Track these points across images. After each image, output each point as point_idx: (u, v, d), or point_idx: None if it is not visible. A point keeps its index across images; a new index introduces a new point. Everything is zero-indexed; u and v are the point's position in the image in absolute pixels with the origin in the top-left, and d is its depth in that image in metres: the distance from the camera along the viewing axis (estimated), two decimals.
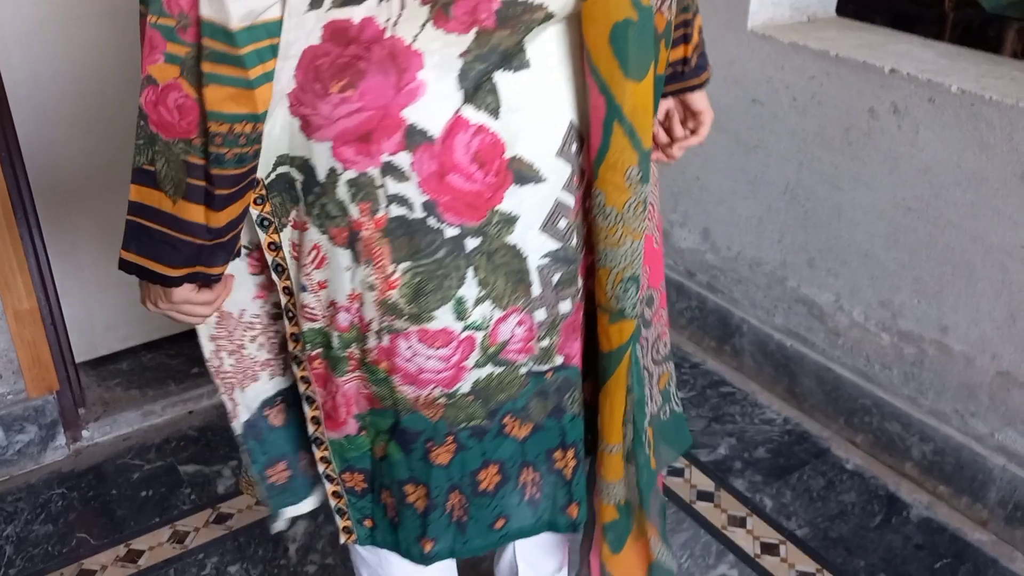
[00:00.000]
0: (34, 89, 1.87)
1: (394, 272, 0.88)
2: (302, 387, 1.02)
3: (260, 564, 1.67)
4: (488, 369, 0.96)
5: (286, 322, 0.98)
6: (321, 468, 1.05)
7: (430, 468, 1.01)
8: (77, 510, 1.80)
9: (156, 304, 0.93)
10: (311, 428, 1.04)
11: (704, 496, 1.83)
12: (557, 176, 0.91)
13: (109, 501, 1.83)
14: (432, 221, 0.87)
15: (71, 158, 1.96)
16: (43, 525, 1.76)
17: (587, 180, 0.94)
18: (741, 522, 1.77)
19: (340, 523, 1.09)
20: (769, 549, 1.70)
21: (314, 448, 1.05)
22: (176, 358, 2.24)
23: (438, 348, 0.93)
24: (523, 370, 0.98)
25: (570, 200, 0.93)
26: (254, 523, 1.77)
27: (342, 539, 1.09)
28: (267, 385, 1.07)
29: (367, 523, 1.08)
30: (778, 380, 2.12)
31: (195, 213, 0.82)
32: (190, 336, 2.28)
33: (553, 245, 0.93)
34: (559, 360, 1.00)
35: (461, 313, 0.91)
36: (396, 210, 0.86)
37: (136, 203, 0.83)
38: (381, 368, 0.94)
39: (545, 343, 0.98)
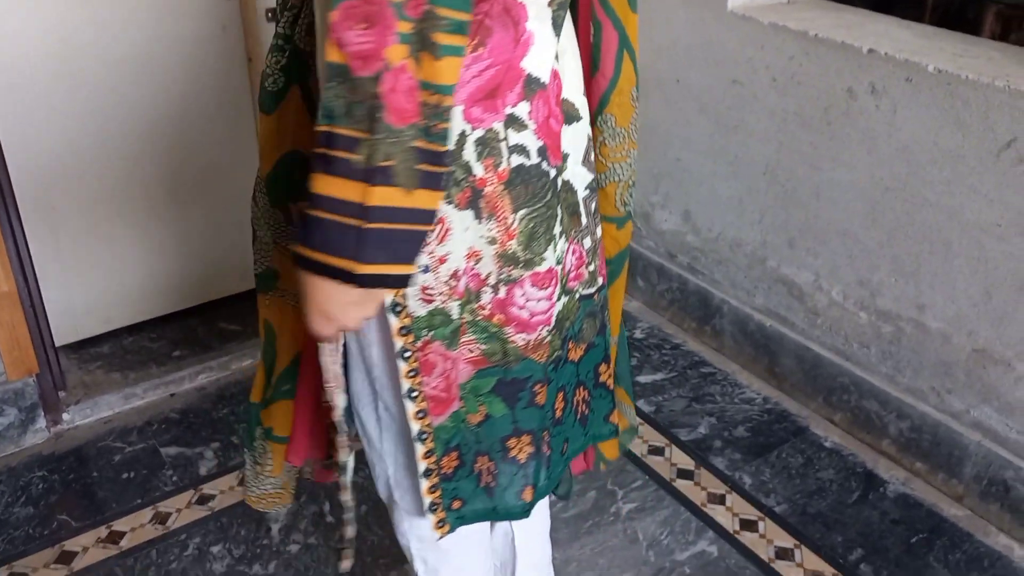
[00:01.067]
0: (10, 70, 1.85)
1: (513, 222, 0.93)
2: (406, 383, 0.98)
3: (243, 544, 1.68)
4: (563, 300, 1.03)
5: (393, 320, 0.95)
6: (423, 466, 1.02)
7: (535, 412, 1.05)
8: (58, 492, 1.80)
9: (346, 320, 0.85)
10: (416, 425, 1.00)
11: (684, 474, 1.85)
12: (585, 112, 1.01)
13: (90, 483, 1.83)
14: (544, 165, 0.93)
15: (48, 140, 1.95)
16: (24, 507, 1.76)
17: (591, 113, 1.05)
18: (720, 499, 1.78)
19: (434, 519, 1.07)
20: (748, 525, 1.72)
21: (417, 446, 1.01)
22: (157, 341, 2.23)
23: (544, 288, 0.99)
24: (577, 295, 1.06)
25: (590, 133, 1.04)
26: (236, 504, 1.77)
27: (438, 535, 1.08)
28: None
29: (455, 505, 1.08)
30: (758, 360, 2.14)
31: (425, 200, 0.78)
32: (171, 319, 2.29)
33: (590, 177, 1.03)
34: (600, 281, 1.10)
35: (555, 250, 0.98)
36: (516, 160, 0.91)
37: (379, 207, 0.75)
38: (494, 323, 0.97)
39: (592, 268, 1.07)
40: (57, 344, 2.02)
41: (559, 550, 1.65)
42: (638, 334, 2.32)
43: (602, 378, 1.17)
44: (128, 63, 1.98)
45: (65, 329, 2.11)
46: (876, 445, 1.91)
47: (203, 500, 1.78)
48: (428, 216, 0.79)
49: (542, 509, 1.38)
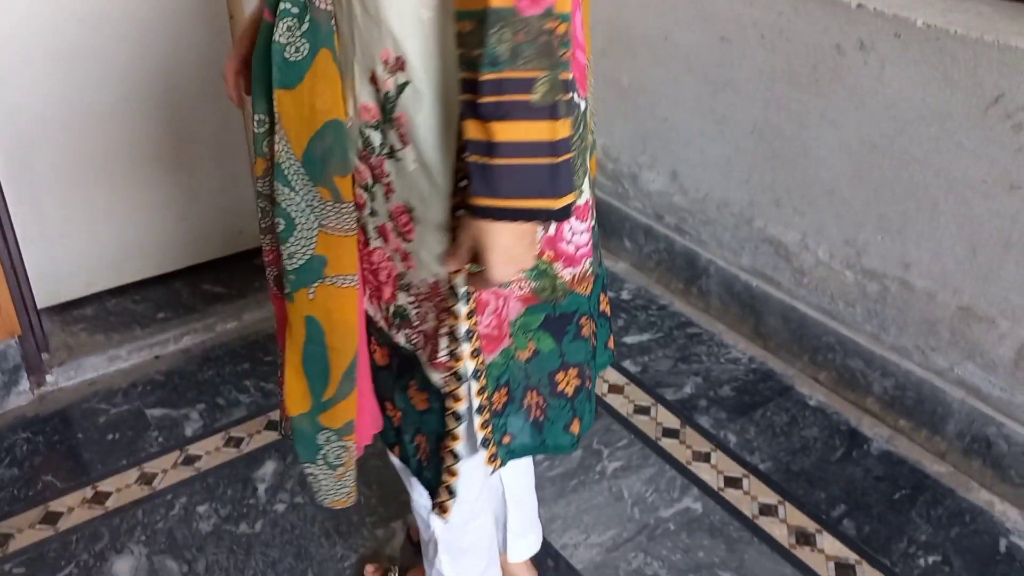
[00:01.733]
0: None
1: None
2: (464, 325, 0.97)
3: (229, 504, 1.68)
4: (591, 232, 1.06)
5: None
6: (476, 402, 1.02)
7: (581, 345, 1.07)
8: (43, 454, 1.80)
9: (528, 260, 0.88)
10: (471, 364, 0.99)
11: (669, 433, 1.85)
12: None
13: (75, 445, 1.82)
14: (576, 97, 0.93)
15: (28, 100, 1.92)
16: (8, 469, 1.75)
17: None
18: (705, 457, 1.79)
19: (487, 453, 1.07)
20: (732, 483, 1.73)
21: (472, 384, 1.01)
22: (141, 303, 2.22)
23: (584, 221, 1.02)
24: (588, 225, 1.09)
25: None
26: (223, 464, 1.77)
27: (490, 469, 1.08)
28: None
29: (506, 440, 1.09)
30: (744, 320, 2.14)
31: (569, 127, 0.81)
32: (155, 282, 2.27)
33: (583, 107, 1.02)
34: (594, 213, 1.11)
35: (587, 181, 1.00)
36: None
37: (560, 141, 0.79)
38: (544, 259, 0.99)
39: (592, 202, 1.08)
40: (39, 307, 2.00)
41: (544, 508, 1.66)
42: (625, 295, 2.32)
43: (602, 306, 1.20)
44: (108, 22, 1.94)
45: (47, 292, 2.10)
46: (860, 403, 1.91)
47: (189, 461, 1.78)
48: (568, 145, 0.82)
49: (528, 462, 1.39)
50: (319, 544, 1.59)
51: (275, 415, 1.88)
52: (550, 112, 0.78)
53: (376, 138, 0.92)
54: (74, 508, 1.67)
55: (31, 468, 1.76)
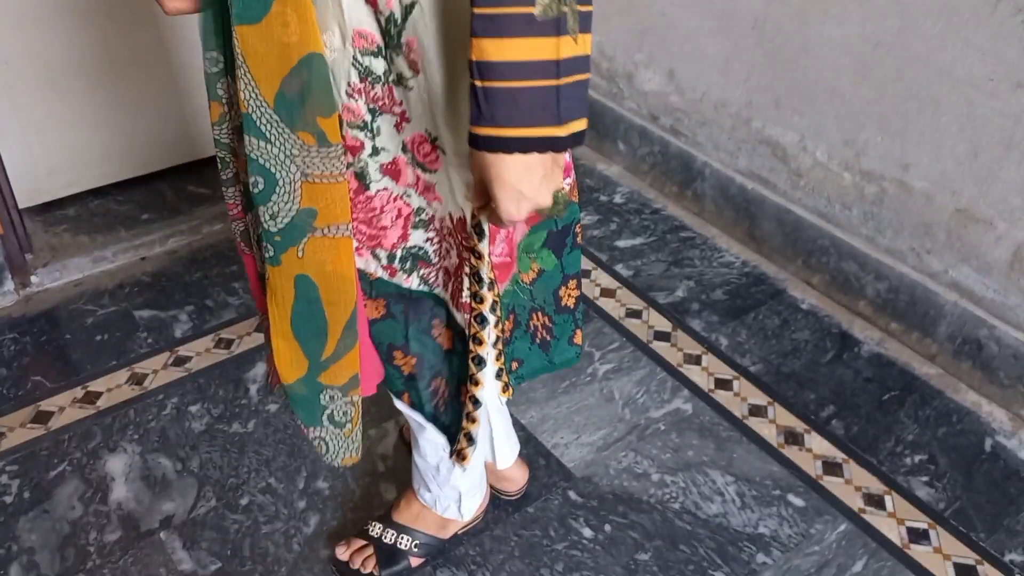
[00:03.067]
0: None
1: None
2: (487, 266, 0.93)
3: (221, 404, 1.68)
4: None
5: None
6: (493, 336, 0.99)
7: (577, 254, 1.04)
8: (31, 354, 1.78)
9: (541, 196, 0.78)
10: (491, 296, 0.95)
11: (661, 336, 1.85)
12: None
13: (63, 345, 1.81)
14: None
15: None
16: None
17: None
18: (696, 360, 1.80)
19: (500, 383, 1.06)
20: (723, 384, 1.74)
21: (490, 317, 0.97)
22: (125, 204, 2.17)
23: None
24: None
25: None
26: (213, 365, 1.76)
27: (504, 397, 1.06)
28: None
29: (514, 366, 1.07)
30: (738, 223, 2.12)
31: (587, 44, 0.73)
32: (138, 183, 2.22)
33: None
34: None
35: None
36: None
37: (566, 60, 0.71)
38: None
39: None
40: (20, 207, 1.96)
41: (536, 408, 1.67)
42: (618, 199, 2.29)
43: (565, 300, 1.17)
44: None
45: (28, 191, 2.05)
46: (853, 307, 1.91)
47: (179, 362, 1.77)
48: (589, 62, 0.74)
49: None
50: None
51: None
52: (555, 27, 0.69)
53: (379, 66, 0.83)
54: (65, 408, 1.67)
55: (19, 368, 1.75)
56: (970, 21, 1.53)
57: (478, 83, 0.71)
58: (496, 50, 0.69)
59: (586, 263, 2.05)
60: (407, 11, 0.78)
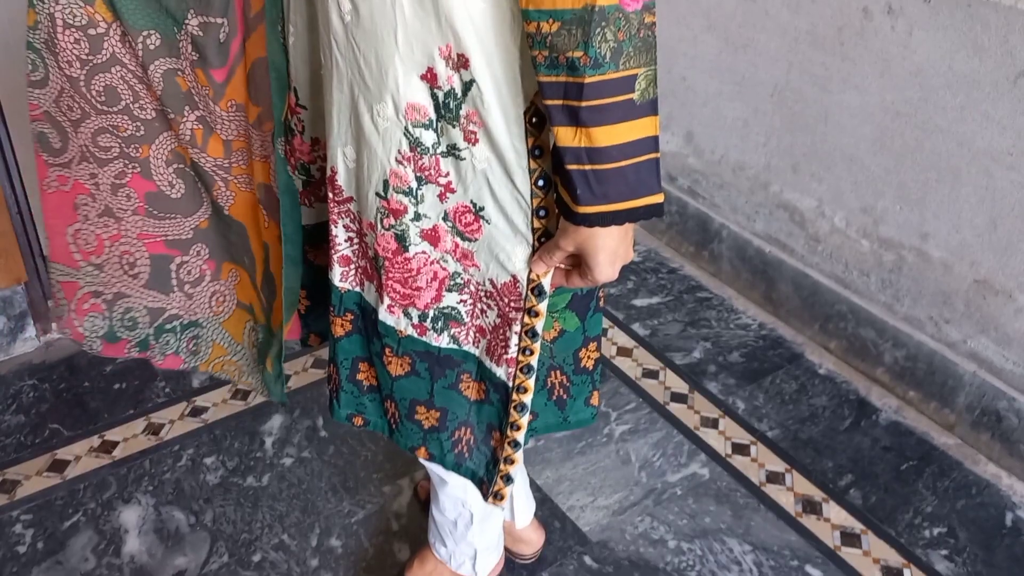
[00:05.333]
0: None
1: None
2: (542, 322, 0.96)
3: (236, 456, 1.68)
4: None
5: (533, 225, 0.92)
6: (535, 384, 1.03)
7: (599, 318, 1.08)
8: (49, 401, 1.79)
9: (630, 255, 0.86)
10: (538, 347, 0.98)
11: (678, 398, 1.85)
12: None
13: (82, 393, 1.82)
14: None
15: None
16: (15, 416, 1.75)
17: None
18: (713, 423, 1.79)
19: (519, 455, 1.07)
20: (740, 449, 1.73)
21: (535, 365, 1.00)
22: None
23: None
24: None
25: None
26: (230, 416, 1.76)
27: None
28: None
29: (530, 419, 1.07)
30: (755, 286, 2.12)
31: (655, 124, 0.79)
32: None
33: None
34: None
35: None
36: None
37: (653, 137, 0.77)
38: None
39: None
40: (44, 253, 1.98)
41: (552, 469, 1.66)
42: (635, 257, 2.30)
43: (584, 362, 1.17)
44: None
45: None
46: (870, 373, 1.91)
47: (196, 412, 1.78)
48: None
49: None
50: (326, 499, 1.59)
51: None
52: (651, 107, 0.75)
53: (428, 138, 0.86)
54: (81, 456, 1.67)
55: (37, 415, 1.76)
56: (990, 95, 1.55)
57: (587, 167, 0.76)
58: (607, 136, 0.74)
59: (603, 321, 2.05)
60: (467, 87, 0.82)
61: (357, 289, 1.05)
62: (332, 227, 1.00)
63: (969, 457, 1.73)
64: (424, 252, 0.95)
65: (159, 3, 1.01)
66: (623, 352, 1.97)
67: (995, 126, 1.56)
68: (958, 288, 1.71)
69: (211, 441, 1.71)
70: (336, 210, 0.99)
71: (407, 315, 1.00)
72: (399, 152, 0.88)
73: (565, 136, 0.75)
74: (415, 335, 1.02)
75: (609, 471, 1.67)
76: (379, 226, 0.94)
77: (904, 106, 1.69)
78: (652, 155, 0.76)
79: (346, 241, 1.02)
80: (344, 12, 0.83)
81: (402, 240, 0.94)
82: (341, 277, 1.04)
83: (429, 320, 1.00)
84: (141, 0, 1.01)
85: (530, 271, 0.91)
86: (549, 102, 0.75)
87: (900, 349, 1.83)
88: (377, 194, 0.92)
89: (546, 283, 0.91)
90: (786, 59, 1.88)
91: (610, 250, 0.82)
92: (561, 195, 0.81)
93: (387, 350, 1.04)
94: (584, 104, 0.73)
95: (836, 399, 1.86)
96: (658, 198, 0.78)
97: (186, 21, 1.01)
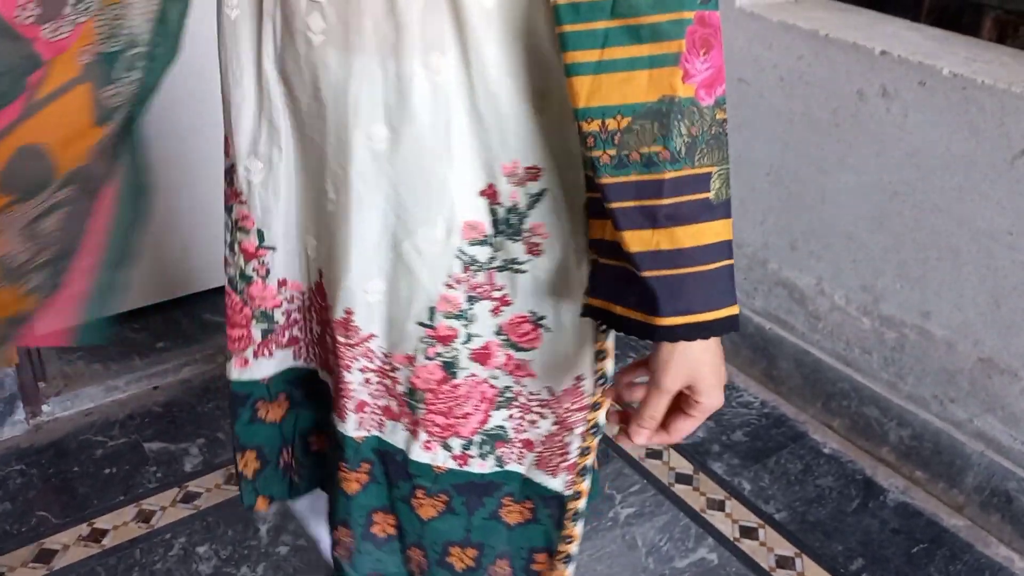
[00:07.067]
0: None
1: None
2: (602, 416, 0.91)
3: (230, 545, 1.62)
4: None
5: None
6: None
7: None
8: (37, 487, 1.73)
9: (725, 375, 0.78)
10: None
11: (683, 479, 1.81)
12: None
13: (71, 478, 1.76)
14: None
15: None
16: (0, 503, 1.69)
17: None
18: (720, 505, 1.75)
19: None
20: (748, 532, 1.69)
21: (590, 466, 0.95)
22: (140, 332, 2.16)
23: None
24: None
25: None
26: (223, 503, 1.71)
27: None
28: None
29: None
30: (756, 363, 2.11)
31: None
32: (154, 310, 2.22)
33: None
34: None
35: None
36: None
37: (729, 242, 0.71)
38: None
39: None
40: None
41: None
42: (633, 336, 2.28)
43: None
44: None
45: None
46: (875, 453, 1.88)
47: (188, 498, 1.72)
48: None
49: None
50: None
51: None
52: (726, 209, 0.70)
53: (484, 254, 0.82)
54: (69, 546, 1.61)
55: (25, 502, 1.70)
56: (987, 176, 1.57)
57: (667, 272, 0.69)
58: (690, 237, 0.69)
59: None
60: (535, 199, 0.79)
61: (375, 433, 0.96)
62: (344, 373, 0.92)
63: (980, 539, 1.70)
64: (473, 375, 0.88)
65: None
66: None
67: (994, 206, 1.57)
68: (962, 367, 1.70)
69: (204, 529, 1.66)
70: (349, 354, 0.90)
71: (446, 447, 0.93)
72: (449, 276, 0.83)
73: (638, 241, 0.69)
74: (456, 467, 0.95)
75: (615, 557, 1.63)
76: (419, 358, 0.87)
77: (902, 186, 1.71)
78: (729, 261, 0.71)
79: (362, 384, 0.93)
80: (376, 141, 0.78)
81: (450, 367, 0.88)
82: (358, 425, 0.95)
83: (474, 446, 0.93)
84: None
85: (598, 360, 0.86)
86: (615, 205, 0.69)
87: (905, 428, 1.81)
88: (420, 324, 0.86)
89: (609, 368, 0.86)
90: (781, 140, 1.91)
91: (718, 368, 0.74)
92: (630, 318, 0.73)
93: (419, 492, 0.96)
94: (665, 203, 0.68)
95: (842, 479, 1.83)
96: (736, 309, 0.71)
97: None
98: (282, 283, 0.97)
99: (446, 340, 0.86)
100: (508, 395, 0.90)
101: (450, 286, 0.83)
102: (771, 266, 2.02)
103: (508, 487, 0.96)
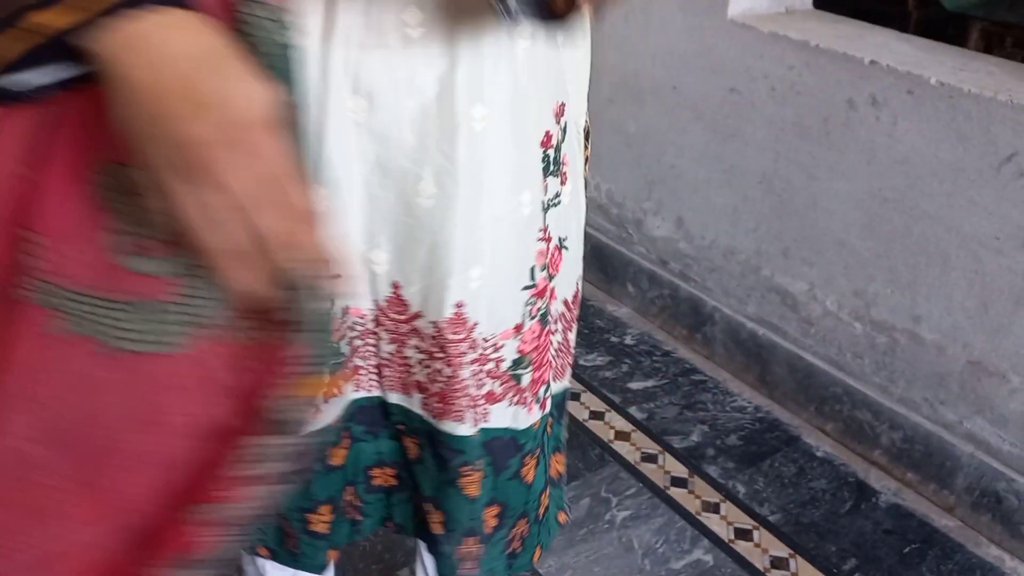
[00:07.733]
0: None
1: None
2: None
3: None
4: None
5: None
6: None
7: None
8: None
9: None
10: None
11: (678, 482, 1.84)
12: None
13: None
14: None
15: None
16: None
17: None
18: (715, 508, 1.78)
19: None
20: (743, 534, 1.71)
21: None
22: None
23: None
24: None
25: None
26: None
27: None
28: None
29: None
30: (749, 368, 2.14)
31: None
32: None
33: None
34: None
35: None
36: None
37: None
38: None
39: None
40: None
41: (554, 557, 1.64)
42: (628, 340, 2.31)
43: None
44: None
45: None
46: (868, 455, 1.91)
47: None
48: None
49: None
50: None
51: None
52: None
53: (540, 204, 0.86)
54: None
55: None
56: (975, 182, 1.61)
57: None
58: None
59: (600, 404, 2.05)
60: (564, 131, 0.84)
61: (482, 425, 0.94)
62: (458, 371, 0.89)
63: (971, 539, 1.73)
64: (551, 315, 0.93)
65: None
66: (621, 436, 1.96)
67: (981, 212, 1.61)
68: (952, 370, 1.73)
69: None
70: (459, 350, 0.88)
71: (538, 401, 0.94)
72: (540, 229, 0.86)
73: None
74: (541, 415, 0.96)
75: (612, 559, 1.65)
76: (526, 323, 0.88)
77: (891, 193, 1.74)
78: None
79: (471, 376, 0.91)
80: (477, 120, 0.77)
81: (544, 317, 0.90)
82: (473, 422, 0.92)
83: (543, 390, 0.96)
84: None
85: None
86: None
87: (897, 431, 1.84)
88: (525, 288, 0.87)
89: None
90: (773, 148, 1.94)
91: None
92: None
93: (527, 459, 0.97)
94: None
95: (835, 482, 1.86)
96: None
97: None
98: (344, 311, 0.90)
99: (542, 292, 0.89)
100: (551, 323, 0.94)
101: (540, 239, 0.87)
102: (764, 272, 2.05)
103: (539, 441, 0.98)
